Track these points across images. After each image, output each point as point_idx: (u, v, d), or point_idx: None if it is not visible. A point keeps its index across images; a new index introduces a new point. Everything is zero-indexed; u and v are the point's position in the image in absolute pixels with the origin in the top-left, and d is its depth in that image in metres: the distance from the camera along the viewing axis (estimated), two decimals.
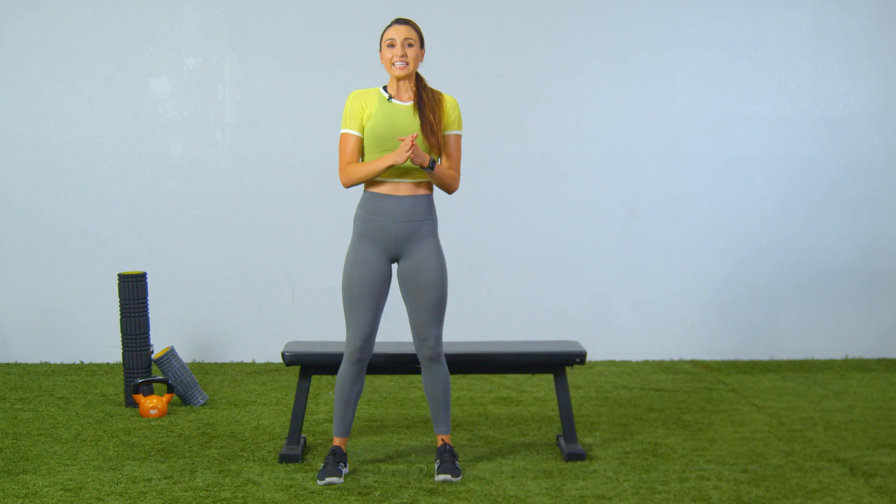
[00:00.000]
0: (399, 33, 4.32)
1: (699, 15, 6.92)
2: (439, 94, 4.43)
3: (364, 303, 4.37)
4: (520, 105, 6.92)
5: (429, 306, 4.40)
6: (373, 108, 4.35)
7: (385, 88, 4.41)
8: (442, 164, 4.47)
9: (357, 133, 4.36)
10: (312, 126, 6.74)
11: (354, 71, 6.56)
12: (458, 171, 4.47)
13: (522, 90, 6.91)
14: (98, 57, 6.77)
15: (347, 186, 4.39)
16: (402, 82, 4.38)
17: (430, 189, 4.44)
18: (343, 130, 4.37)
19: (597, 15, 6.90)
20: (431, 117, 4.34)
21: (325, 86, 6.74)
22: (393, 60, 4.31)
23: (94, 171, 6.81)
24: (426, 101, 4.36)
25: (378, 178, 4.36)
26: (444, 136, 4.42)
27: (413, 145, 4.19)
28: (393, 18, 4.41)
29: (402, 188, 4.36)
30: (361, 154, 4.41)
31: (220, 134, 6.86)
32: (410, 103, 4.37)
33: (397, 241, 4.38)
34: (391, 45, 4.32)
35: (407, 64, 4.32)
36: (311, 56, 6.84)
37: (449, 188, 4.44)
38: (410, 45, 4.33)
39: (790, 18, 6.95)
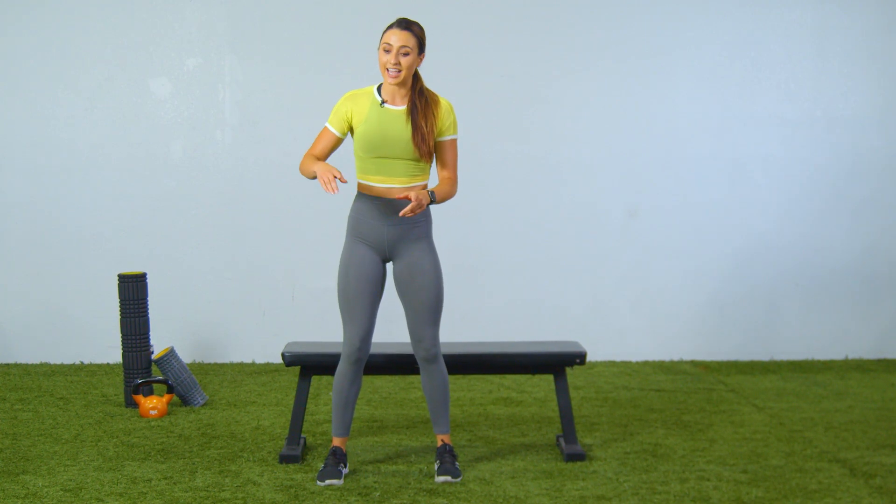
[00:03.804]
0: (397, 39, 4.25)
1: (699, 15, 6.92)
2: (434, 97, 4.39)
3: (360, 302, 4.37)
4: (520, 105, 6.91)
5: (423, 308, 4.40)
6: (364, 113, 4.32)
7: (379, 89, 4.38)
8: (438, 171, 4.45)
9: (336, 132, 4.36)
10: (312, 126, 6.66)
11: (354, 71, 6.55)
12: (454, 175, 4.44)
13: (523, 90, 6.91)
14: (98, 57, 6.77)
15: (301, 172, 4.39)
16: (396, 88, 4.33)
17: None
18: (326, 124, 4.39)
19: (597, 15, 6.90)
20: (423, 124, 4.30)
21: (326, 86, 6.73)
22: (387, 66, 4.28)
23: (94, 171, 6.81)
24: (419, 108, 4.32)
25: (370, 181, 4.35)
26: (438, 143, 4.41)
27: (414, 201, 4.17)
28: (396, 18, 4.34)
29: (394, 191, 4.34)
30: (330, 152, 4.41)
31: (220, 134, 6.86)
32: (403, 108, 4.34)
33: (389, 243, 4.37)
34: (387, 51, 4.26)
35: (400, 73, 4.27)
36: (312, 56, 6.83)
37: (450, 197, 4.43)
38: (406, 54, 4.25)
39: (790, 18, 6.95)
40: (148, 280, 5.96)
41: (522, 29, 6.87)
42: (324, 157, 4.38)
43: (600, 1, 6.90)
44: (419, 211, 4.22)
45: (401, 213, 4.20)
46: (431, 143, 4.33)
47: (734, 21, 6.93)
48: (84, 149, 6.80)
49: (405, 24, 4.30)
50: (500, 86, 6.89)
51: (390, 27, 4.30)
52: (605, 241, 6.99)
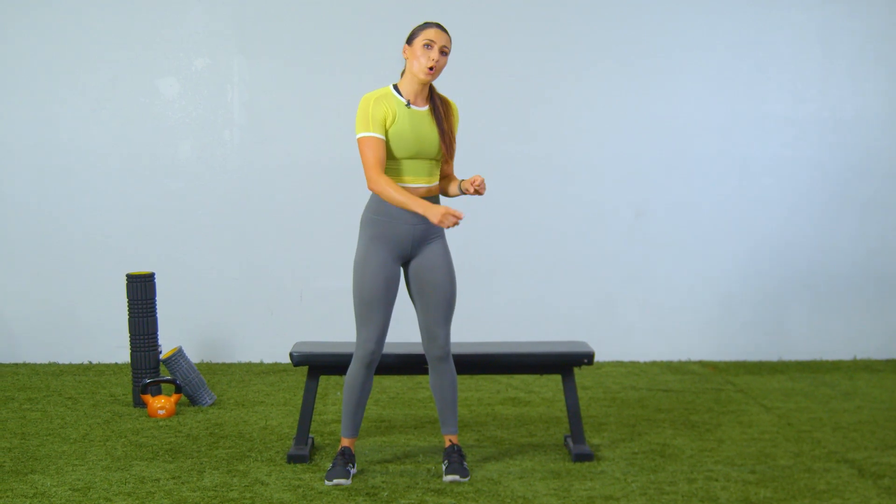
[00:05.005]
0: (440, 38, 4.25)
1: (706, 16, 6.91)
2: (446, 99, 4.44)
3: (377, 305, 4.37)
4: (527, 106, 6.92)
5: (439, 306, 4.41)
6: (394, 114, 4.29)
7: (396, 88, 4.37)
8: (443, 167, 4.52)
9: (383, 137, 4.26)
10: (320, 127, 6.75)
11: (361, 72, 6.57)
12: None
13: (529, 91, 6.91)
14: (105, 58, 6.78)
15: (374, 192, 4.31)
16: (420, 88, 4.33)
17: (438, 190, 4.46)
18: (367, 134, 4.25)
19: (603, 16, 6.90)
20: (446, 126, 4.36)
21: (333, 87, 6.75)
22: (427, 64, 4.25)
23: (101, 171, 6.82)
24: (441, 110, 4.36)
25: (396, 182, 4.34)
26: None
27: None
28: (431, 21, 4.32)
29: (420, 191, 4.35)
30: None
31: (227, 135, 6.86)
32: (426, 109, 4.36)
33: (413, 243, 4.38)
34: (429, 46, 4.24)
35: (435, 71, 4.27)
36: (319, 57, 6.84)
37: None
38: (444, 54, 4.28)
39: (797, 20, 6.94)
40: (156, 280, 5.97)
41: (528, 30, 6.87)
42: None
43: (606, 2, 6.90)
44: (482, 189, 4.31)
45: (463, 190, 4.36)
46: (454, 146, 4.41)
47: (741, 22, 6.92)
48: (91, 149, 6.81)
49: (444, 28, 4.31)
50: (506, 86, 6.89)
51: (428, 26, 4.28)
52: (612, 241, 6.99)
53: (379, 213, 4.38)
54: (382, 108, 4.27)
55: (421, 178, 4.36)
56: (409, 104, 4.33)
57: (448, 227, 4.15)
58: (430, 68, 4.25)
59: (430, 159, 4.36)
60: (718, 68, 6.94)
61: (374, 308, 4.37)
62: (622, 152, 6.95)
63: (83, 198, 6.83)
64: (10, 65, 6.78)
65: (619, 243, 7.00)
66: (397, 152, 4.31)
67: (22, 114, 6.80)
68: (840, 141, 7.00)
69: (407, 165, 4.33)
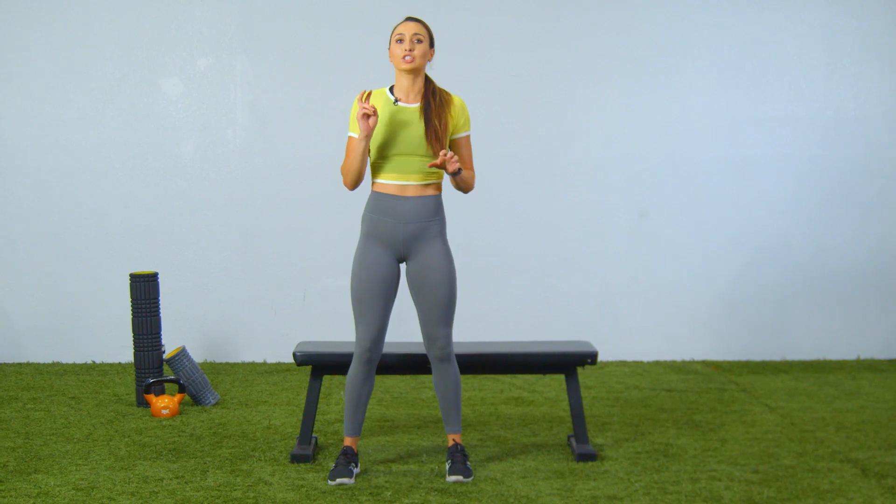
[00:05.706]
0: (408, 29, 4.32)
1: (709, 16, 6.91)
2: (448, 95, 4.41)
3: (373, 303, 4.37)
4: (530, 106, 6.91)
5: (437, 307, 4.40)
6: (378, 113, 4.34)
7: (391, 90, 4.40)
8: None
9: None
10: (323, 126, 6.74)
11: (365, 72, 6.57)
12: (472, 170, 4.49)
13: (533, 91, 6.91)
14: (109, 57, 6.79)
15: (349, 187, 4.37)
16: (409, 83, 4.36)
17: (439, 190, 4.43)
18: (348, 133, 4.36)
19: (607, 16, 6.89)
20: (437, 123, 4.33)
21: (336, 86, 6.74)
22: (402, 55, 4.31)
23: (105, 171, 6.83)
24: (433, 107, 4.34)
25: (385, 180, 4.36)
26: (454, 140, 4.43)
27: (450, 158, 4.23)
28: (404, 17, 4.42)
29: (409, 189, 4.36)
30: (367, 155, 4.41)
31: (231, 134, 6.87)
32: (417, 105, 4.36)
33: (405, 242, 4.38)
34: (400, 41, 4.32)
35: (414, 59, 4.31)
36: (322, 57, 6.84)
37: (469, 188, 4.46)
38: (419, 41, 4.31)
39: (801, 19, 6.93)
40: (159, 280, 5.97)
41: (532, 30, 6.87)
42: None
43: (611, 2, 6.89)
44: (452, 166, 4.24)
45: (429, 165, 4.27)
46: (445, 143, 4.35)
47: (744, 21, 6.92)
48: (95, 149, 6.82)
49: (414, 18, 4.38)
50: (509, 86, 6.89)
51: (399, 23, 4.38)
52: (615, 240, 6.98)
53: (372, 211, 4.39)
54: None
55: (411, 175, 4.34)
56: (396, 101, 4.34)
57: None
58: (406, 57, 4.29)
59: (419, 156, 4.33)
60: (721, 68, 6.94)
61: (369, 306, 4.37)
62: (625, 152, 6.95)
63: (86, 197, 6.83)
64: (14, 64, 6.79)
65: (622, 243, 6.99)
66: (380, 150, 4.33)
67: (25, 113, 6.81)
68: (843, 140, 7.00)
69: (395, 162, 4.33)
